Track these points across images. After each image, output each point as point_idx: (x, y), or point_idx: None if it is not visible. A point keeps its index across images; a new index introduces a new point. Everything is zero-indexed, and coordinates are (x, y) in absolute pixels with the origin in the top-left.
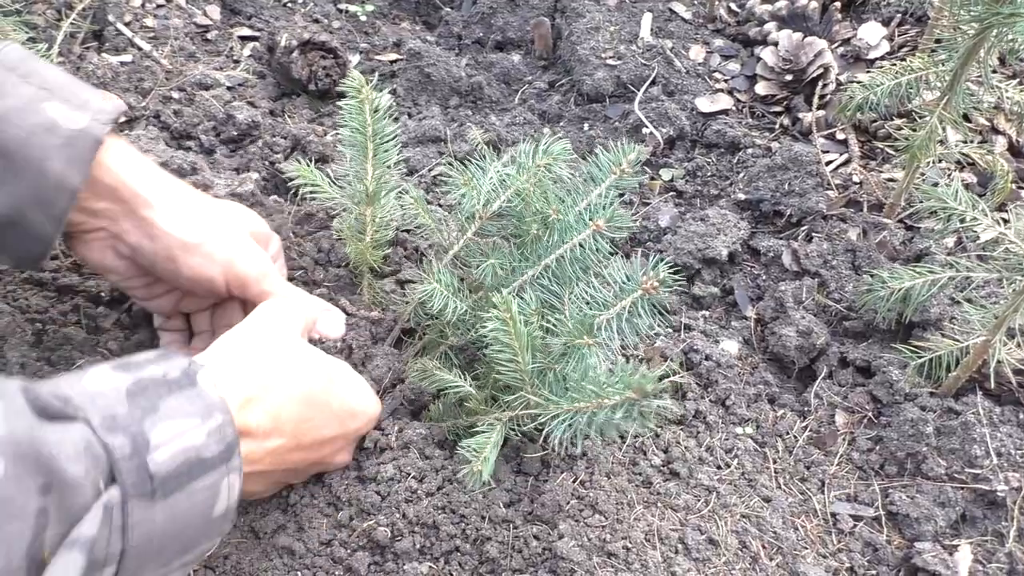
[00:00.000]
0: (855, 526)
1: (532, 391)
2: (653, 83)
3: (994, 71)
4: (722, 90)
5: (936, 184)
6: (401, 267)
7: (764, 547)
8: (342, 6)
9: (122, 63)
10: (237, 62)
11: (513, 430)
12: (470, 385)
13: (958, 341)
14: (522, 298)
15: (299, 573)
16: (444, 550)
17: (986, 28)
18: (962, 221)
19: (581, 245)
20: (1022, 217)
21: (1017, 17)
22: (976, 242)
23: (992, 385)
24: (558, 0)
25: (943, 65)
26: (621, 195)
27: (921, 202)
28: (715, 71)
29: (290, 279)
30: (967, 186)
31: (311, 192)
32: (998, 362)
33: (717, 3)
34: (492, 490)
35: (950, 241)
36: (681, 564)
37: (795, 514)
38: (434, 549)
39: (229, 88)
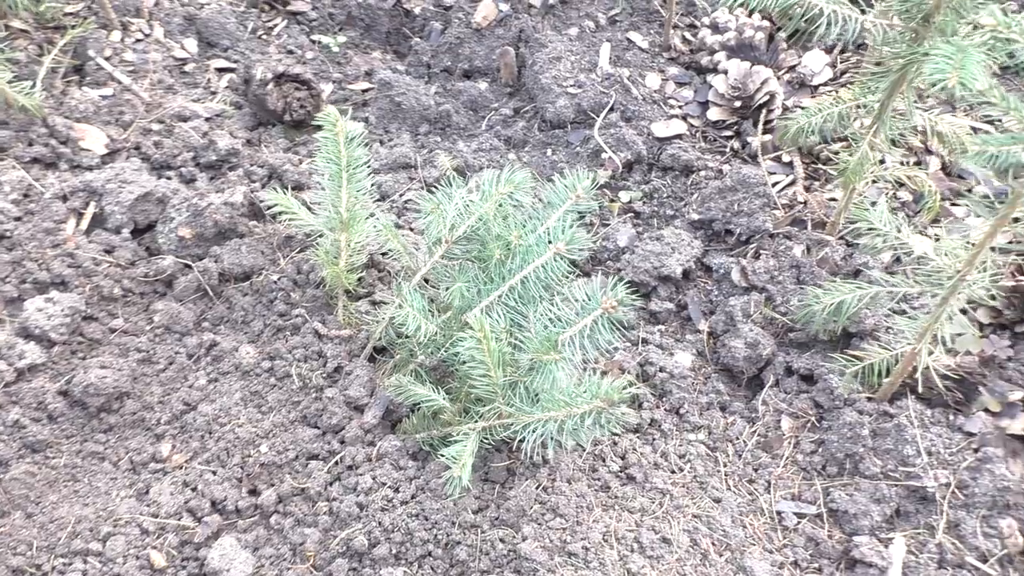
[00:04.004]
0: (799, 523)
1: (504, 402)
2: (612, 110)
3: (923, 99)
4: (676, 116)
5: (874, 203)
6: (375, 289)
7: (714, 544)
8: (315, 37)
9: (103, 97)
10: (214, 93)
11: (484, 440)
12: (444, 399)
13: (890, 349)
14: (490, 317)
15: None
16: (418, 555)
17: (908, 64)
18: (883, 240)
19: (543, 267)
20: (953, 232)
21: (931, 56)
22: (911, 256)
23: (921, 389)
24: (522, 30)
25: (872, 96)
26: (581, 217)
27: (855, 222)
28: (670, 98)
29: (270, 301)
30: (904, 204)
31: (289, 220)
32: (926, 368)
33: (672, 33)
34: (462, 497)
35: (888, 256)
36: (636, 561)
37: (743, 513)
38: (408, 554)
39: (207, 119)
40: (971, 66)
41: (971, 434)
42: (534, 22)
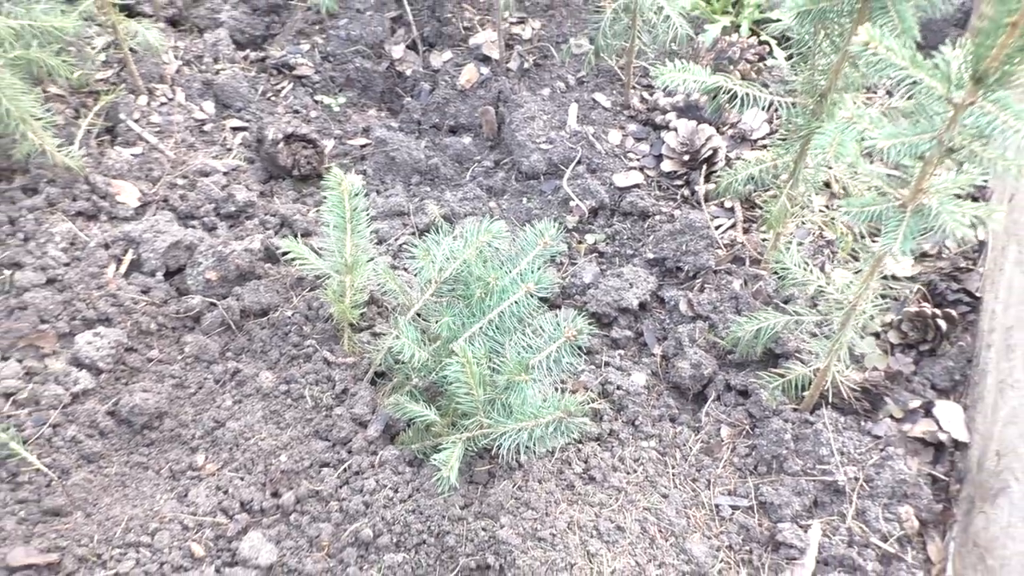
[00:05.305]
0: (733, 514)
1: (484, 416)
2: (579, 163)
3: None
4: (635, 168)
5: (789, 245)
6: (375, 322)
7: (660, 531)
8: (318, 98)
9: (133, 155)
10: (230, 150)
11: (469, 448)
12: (435, 414)
13: (808, 367)
14: (473, 345)
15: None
16: (415, 543)
17: (810, 133)
18: (782, 278)
19: (516, 303)
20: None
21: (821, 133)
22: (832, 286)
23: (831, 400)
24: (501, 91)
25: (787, 156)
26: (553, 259)
27: (776, 262)
28: (629, 152)
29: (285, 334)
30: (829, 242)
31: (300, 264)
32: (836, 382)
33: (631, 93)
34: (451, 496)
35: (812, 288)
36: (594, 545)
37: (687, 507)
38: (407, 542)
39: (225, 174)
40: (846, 143)
41: (878, 437)
42: (511, 84)
